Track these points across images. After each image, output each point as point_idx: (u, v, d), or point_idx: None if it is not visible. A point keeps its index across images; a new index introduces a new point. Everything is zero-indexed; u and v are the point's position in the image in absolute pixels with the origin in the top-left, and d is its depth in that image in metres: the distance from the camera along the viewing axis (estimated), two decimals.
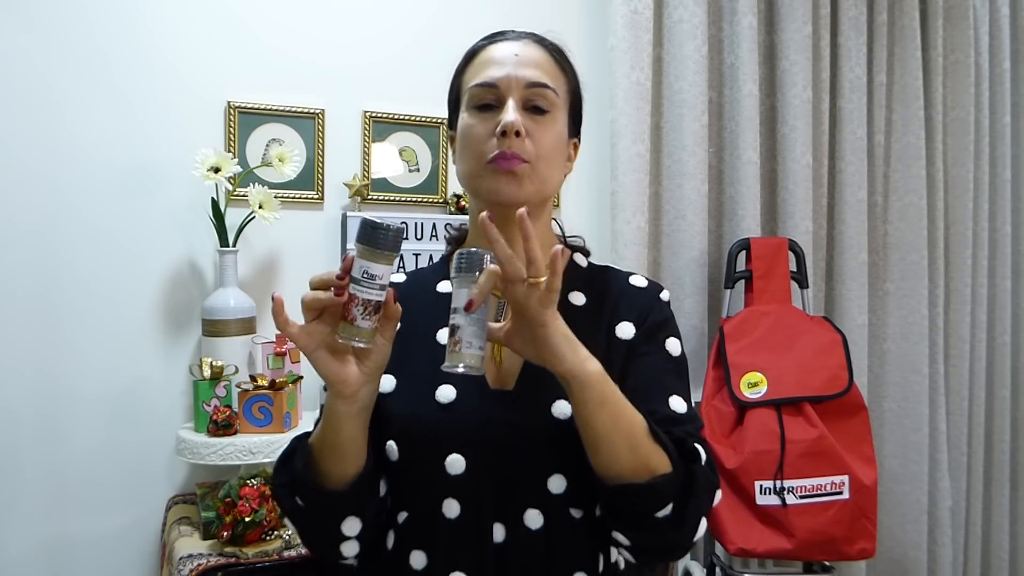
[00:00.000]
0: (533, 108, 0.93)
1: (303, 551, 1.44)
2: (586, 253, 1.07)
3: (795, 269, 2.13)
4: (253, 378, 1.63)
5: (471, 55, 0.99)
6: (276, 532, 1.46)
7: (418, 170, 2.00)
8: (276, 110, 1.84)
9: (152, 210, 1.75)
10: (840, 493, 1.84)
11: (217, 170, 1.66)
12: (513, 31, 1.00)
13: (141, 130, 1.74)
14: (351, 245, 0.98)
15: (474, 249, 0.77)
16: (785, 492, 1.82)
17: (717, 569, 2.03)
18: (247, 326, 1.71)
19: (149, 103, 1.74)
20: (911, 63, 2.41)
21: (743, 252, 2.12)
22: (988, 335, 2.63)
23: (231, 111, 1.80)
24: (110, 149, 1.72)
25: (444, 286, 1.00)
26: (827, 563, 1.99)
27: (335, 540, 0.88)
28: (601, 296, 0.99)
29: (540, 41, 0.98)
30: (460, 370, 0.75)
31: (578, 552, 0.89)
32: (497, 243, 0.75)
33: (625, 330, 0.95)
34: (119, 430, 1.73)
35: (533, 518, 0.88)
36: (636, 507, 0.82)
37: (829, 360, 1.95)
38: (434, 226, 1.95)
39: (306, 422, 1.69)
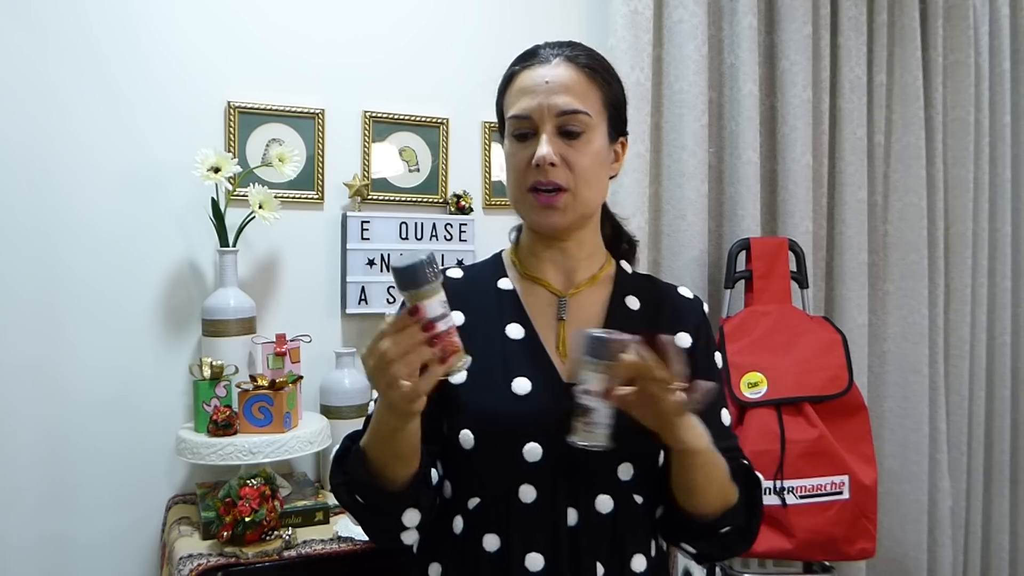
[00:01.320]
0: (568, 132, 0.96)
1: (303, 551, 1.45)
2: (631, 255, 1.13)
3: (795, 269, 2.13)
4: (253, 378, 1.64)
5: (508, 79, 1.02)
6: (276, 532, 1.46)
7: (418, 170, 2.00)
8: (276, 110, 1.84)
9: (152, 210, 1.75)
10: (840, 493, 1.84)
11: (217, 170, 1.66)
12: (547, 46, 1.01)
13: (141, 130, 1.74)
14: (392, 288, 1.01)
15: (606, 335, 0.83)
16: (785, 492, 1.82)
17: (717, 569, 2.03)
18: (247, 326, 1.72)
19: (149, 103, 1.74)
20: (911, 63, 2.41)
21: (743, 252, 2.12)
22: (988, 335, 2.63)
23: (231, 111, 1.80)
24: (110, 149, 1.71)
25: (504, 283, 1.05)
26: (827, 563, 1.99)
27: (396, 531, 0.94)
28: (655, 304, 1.06)
29: (572, 58, 0.98)
30: (595, 447, 0.85)
31: (639, 537, 0.98)
32: (659, 367, 0.82)
33: (683, 340, 1.04)
34: (119, 430, 1.73)
35: (604, 503, 0.95)
36: (709, 529, 0.94)
37: (829, 360, 1.95)
38: (434, 226, 1.95)
39: (306, 422, 1.69)
